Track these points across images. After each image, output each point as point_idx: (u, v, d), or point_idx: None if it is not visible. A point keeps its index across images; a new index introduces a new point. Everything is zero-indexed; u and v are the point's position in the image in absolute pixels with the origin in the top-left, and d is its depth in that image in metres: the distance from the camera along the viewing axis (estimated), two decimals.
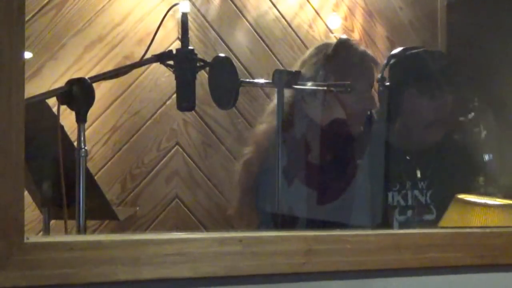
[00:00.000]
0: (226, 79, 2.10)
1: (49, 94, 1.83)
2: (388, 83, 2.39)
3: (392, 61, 2.43)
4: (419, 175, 2.40)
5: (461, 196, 2.26)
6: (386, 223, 2.34)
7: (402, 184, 2.39)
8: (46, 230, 2.05)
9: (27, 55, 2.69)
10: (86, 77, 1.80)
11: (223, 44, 3.04)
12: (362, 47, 2.39)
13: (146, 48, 2.09)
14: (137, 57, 2.39)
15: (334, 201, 2.28)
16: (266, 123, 2.29)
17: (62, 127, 1.76)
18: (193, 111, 2.82)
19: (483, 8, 3.13)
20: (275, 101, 2.08)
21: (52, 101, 1.79)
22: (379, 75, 2.37)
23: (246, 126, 3.02)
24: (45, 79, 2.75)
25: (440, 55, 2.68)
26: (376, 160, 2.37)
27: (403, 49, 2.47)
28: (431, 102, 2.36)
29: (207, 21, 3.03)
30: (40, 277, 1.08)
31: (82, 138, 1.68)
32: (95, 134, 2.83)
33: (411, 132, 2.42)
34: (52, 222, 2.06)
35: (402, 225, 2.36)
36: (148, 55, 2.10)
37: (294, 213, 2.24)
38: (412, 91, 2.37)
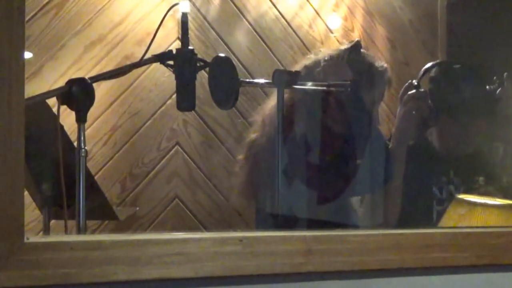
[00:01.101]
0: (226, 79, 2.10)
1: (49, 94, 1.83)
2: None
3: (432, 74, 2.45)
4: (453, 174, 2.47)
5: (461, 196, 2.27)
6: (427, 211, 2.43)
7: (439, 178, 2.46)
8: (46, 230, 2.05)
9: (27, 55, 2.69)
10: (86, 77, 1.80)
11: (223, 44, 3.04)
12: (384, 64, 2.36)
13: (146, 48, 2.09)
14: (137, 57, 2.38)
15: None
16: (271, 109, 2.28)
17: (62, 127, 1.76)
18: (193, 111, 2.82)
19: (483, 8, 3.14)
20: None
21: (52, 101, 1.79)
22: (415, 81, 2.38)
23: (246, 126, 3.02)
24: (45, 79, 2.75)
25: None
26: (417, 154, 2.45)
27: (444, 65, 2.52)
28: (464, 130, 2.45)
29: (207, 21, 3.03)
30: (40, 277, 1.08)
31: (82, 138, 1.68)
32: (95, 134, 2.83)
33: (444, 142, 2.49)
34: (52, 222, 2.07)
35: (439, 215, 2.42)
36: (148, 55, 2.10)
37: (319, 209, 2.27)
38: (446, 118, 2.44)
